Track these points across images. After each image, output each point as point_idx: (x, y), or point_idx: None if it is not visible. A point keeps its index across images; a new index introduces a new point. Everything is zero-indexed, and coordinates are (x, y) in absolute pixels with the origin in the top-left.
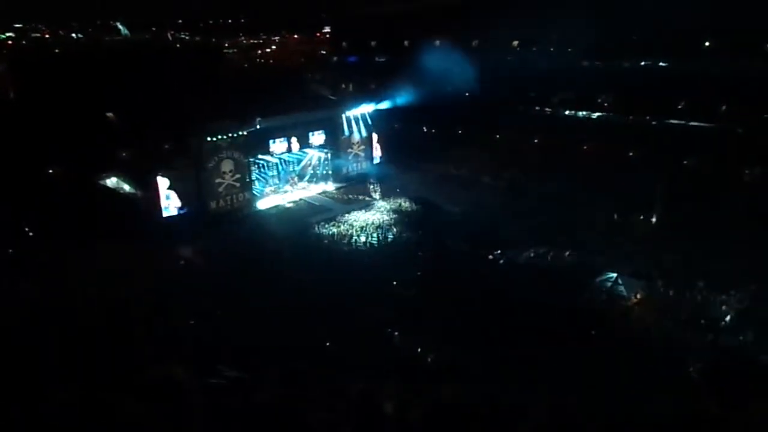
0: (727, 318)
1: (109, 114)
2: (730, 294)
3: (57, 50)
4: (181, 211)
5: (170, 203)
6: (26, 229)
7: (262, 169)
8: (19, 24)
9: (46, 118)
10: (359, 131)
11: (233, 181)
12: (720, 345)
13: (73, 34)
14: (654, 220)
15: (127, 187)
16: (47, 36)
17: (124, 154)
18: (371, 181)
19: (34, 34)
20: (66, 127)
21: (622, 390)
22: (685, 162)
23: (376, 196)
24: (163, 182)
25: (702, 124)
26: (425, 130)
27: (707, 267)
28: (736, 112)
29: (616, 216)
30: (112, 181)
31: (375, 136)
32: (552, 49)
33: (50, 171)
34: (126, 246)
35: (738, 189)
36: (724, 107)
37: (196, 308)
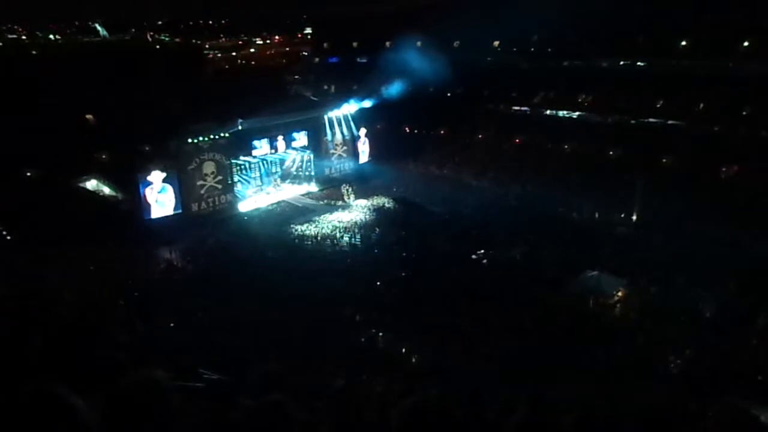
0: (707, 314)
1: (88, 116)
2: (709, 290)
3: (34, 52)
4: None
5: (162, 205)
6: (4, 233)
7: (244, 171)
8: None
9: (23, 120)
10: (342, 132)
11: (215, 183)
12: (699, 340)
13: (51, 36)
14: (634, 217)
15: (107, 190)
16: (24, 37)
17: (103, 157)
18: (354, 181)
19: (10, 36)
20: (44, 129)
21: (603, 385)
22: (663, 160)
23: (359, 196)
24: (152, 184)
25: (679, 123)
26: (408, 130)
27: (687, 264)
28: (712, 111)
29: (597, 214)
30: (92, 184)
31: (360, 137)
32: (532, 50)
33: (28, 174)
34: (106, 249)
35: (715, 186)
36: (701, 105)
37: (176, 310)
